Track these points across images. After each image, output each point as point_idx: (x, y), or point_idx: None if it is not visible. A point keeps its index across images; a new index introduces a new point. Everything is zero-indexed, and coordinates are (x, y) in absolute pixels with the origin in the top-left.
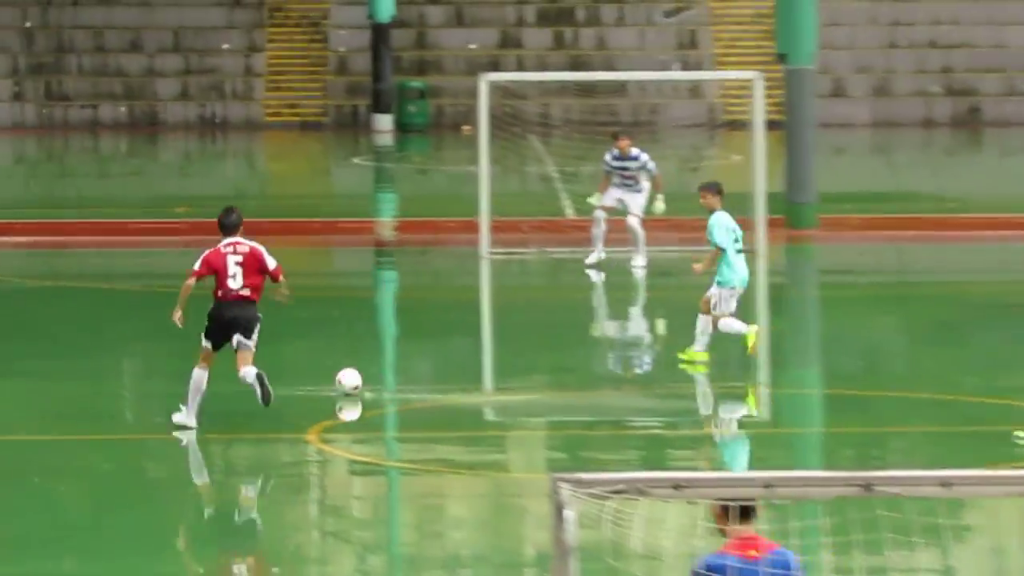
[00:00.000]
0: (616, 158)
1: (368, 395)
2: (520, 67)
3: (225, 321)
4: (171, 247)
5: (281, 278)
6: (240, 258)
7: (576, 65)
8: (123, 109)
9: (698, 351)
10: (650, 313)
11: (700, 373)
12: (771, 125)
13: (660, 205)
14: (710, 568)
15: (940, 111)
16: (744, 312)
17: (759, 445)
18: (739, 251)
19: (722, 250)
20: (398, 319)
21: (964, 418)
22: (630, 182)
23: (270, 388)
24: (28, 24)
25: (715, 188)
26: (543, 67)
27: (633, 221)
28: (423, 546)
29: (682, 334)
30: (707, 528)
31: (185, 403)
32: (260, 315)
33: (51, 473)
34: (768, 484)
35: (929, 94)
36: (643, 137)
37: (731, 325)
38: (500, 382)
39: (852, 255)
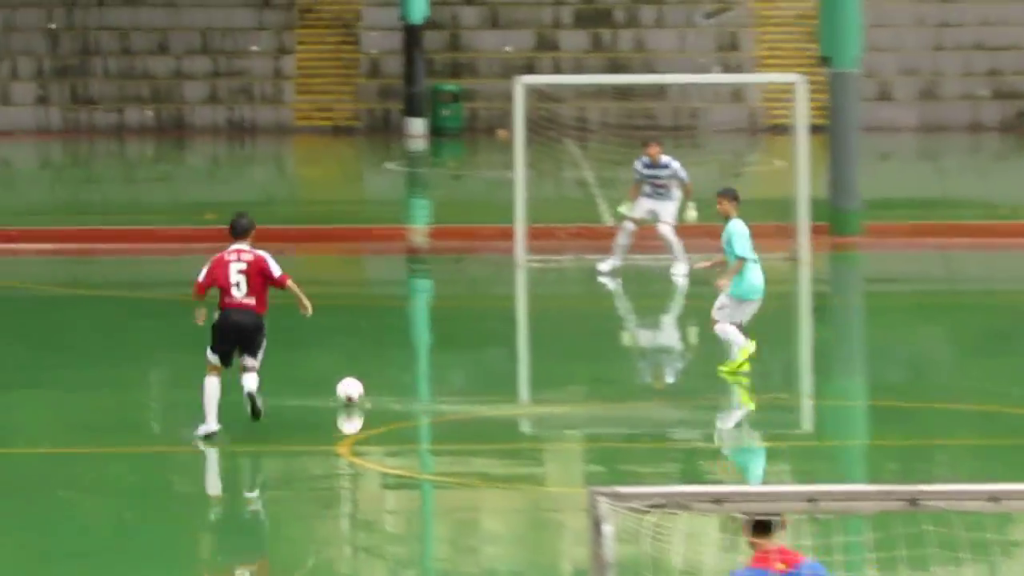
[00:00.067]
0: (647, 166)
1: (401, 407)
2: (556, 70)
3: (228, 329)
4: (198, 254)
5: (290, 284)
6: (244, 266)
7: (614, 68)
8: (150, 113)
9: (736, 360)
10: (690, 323)
11: (741, 382)
12: (814, 130)
13: (692, 214)
14: None
15: (988, 114)
16: (787, 321)
17: (802, 458)
18: (755, 261)
19: (745, 260)
20: (431, 328)
21: (1012, 431)
22: (661, 190)
23: (260, 406)
24: (53, 25)
25: (732, 194)
26: (580, 70)
27: (665, 229)
28: (457, 562)
29: (725, 344)
30: (749, 543)
31: (203, 417)
32: (264, 326)
33: (76, 487)
34: (811, 498)
35: (977, 97)
36: (683, 142)
37: (727, 332)
38: (536, 393)
39: (898, 263)
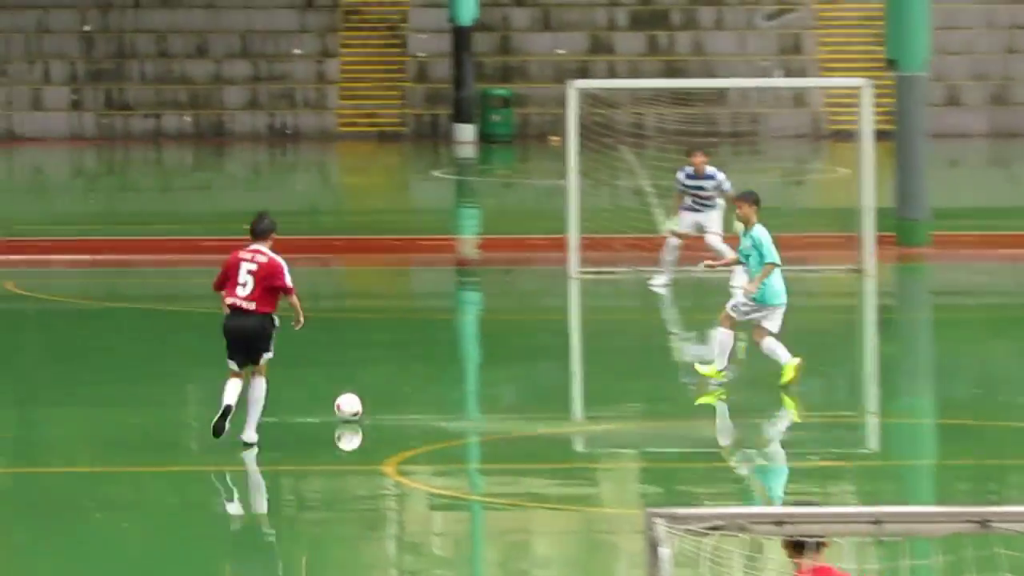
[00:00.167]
0: (690, 176)
1: (449, 424)
2: (611, 74)
3: (233, 334)
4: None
5: (294, 299)
6: (255, 267)
7: (671, 71)
8: (188, 119)
9: (788, 363)
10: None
11: (795, 399)
12: (880, 136)
13: (740, 224)
14: None
15: None
16: (852, 335)
17: (867, 478)
18: (778, 265)
19: (776, 266)
20: (481, 343)
21: None
22: (705, 202)
23: (226, 424)
24: (87, 28)
25: (752, 199)
26: (636, 74)
27: (714, 240)
28: None
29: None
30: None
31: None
32: (273, 325)
33: (113, 507)
34: (877, 520)
35: None
36: (743, 148)
37: (721, 343)
38: (590, 410)
39: (967, 275)
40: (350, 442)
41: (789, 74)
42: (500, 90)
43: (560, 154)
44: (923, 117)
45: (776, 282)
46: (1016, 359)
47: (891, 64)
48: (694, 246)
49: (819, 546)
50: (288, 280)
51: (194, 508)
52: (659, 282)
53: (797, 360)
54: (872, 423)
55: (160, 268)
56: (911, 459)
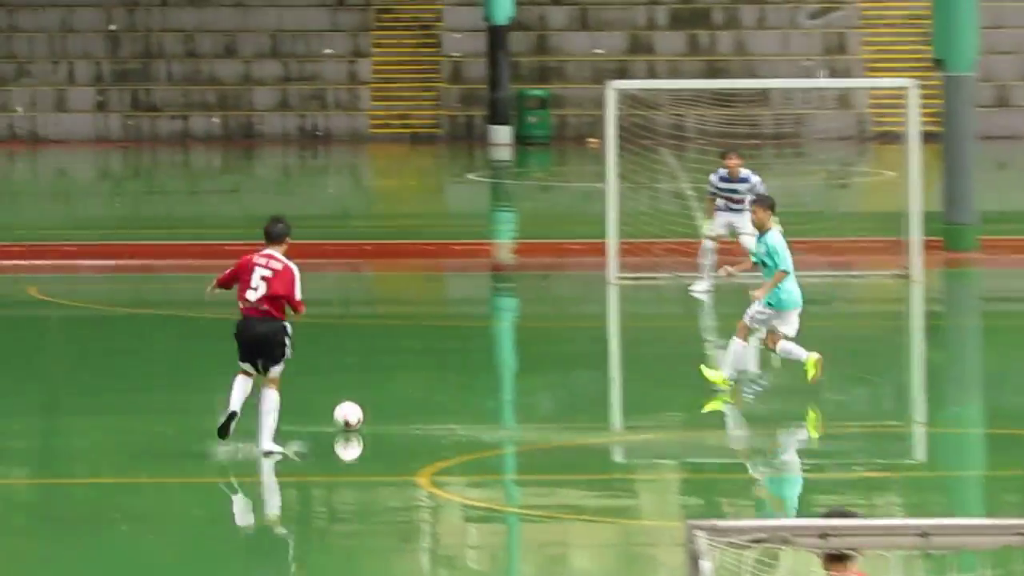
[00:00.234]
0: (723, 179)
1: (484, 434)
2: (651, 74)
3: (247, 340)
4: None
5: (302, 310)
6: (269, 273)
7: (713, 72)
8: (216, 120)
9: (808, 359)
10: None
11: (723, 396)
12: (927, 138)
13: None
14: None
15: None
16: (898, 342)
17: (913, 489)
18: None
19: (787, 274)
20: (517, 350)
21: None
22: (739, 205)
23: (230, 428)
24: (113, 27)
25: (767, 203)
26: (676, 74)
27: (748, 242)
28: None
29: (830, 367)
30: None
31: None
32: (286, 332)
33: (138, 519)
34: (924, 533)
35: None
36: (786, 150)
37: (733, 353)
38: (629, 420)
39: (1015, 280)
40: (382, 453)
41: (833, 74)
42: (536, 91)
43: (598, 157)
44: (971, 118)
45: (791, 287)
46: None
47: (938, 64)
48: (732, 250)
49: (848, 557)
50: (298, 293)
51: (222, 520)
52: (700, 288)
53: (816, 355)
54: (919, 433)
55: (186, 274)
56: (959, 470)
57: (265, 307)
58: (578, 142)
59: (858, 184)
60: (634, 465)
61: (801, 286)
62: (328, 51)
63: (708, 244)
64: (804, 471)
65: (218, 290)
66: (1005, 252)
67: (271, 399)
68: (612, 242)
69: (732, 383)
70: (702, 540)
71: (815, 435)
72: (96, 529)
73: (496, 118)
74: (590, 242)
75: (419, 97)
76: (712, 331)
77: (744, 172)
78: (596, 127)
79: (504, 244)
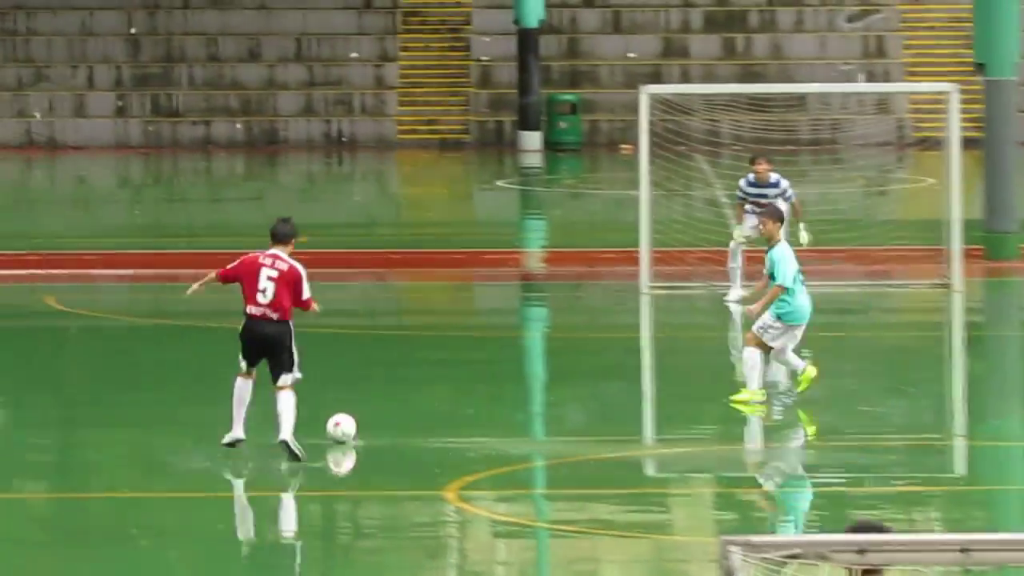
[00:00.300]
0: (752, 184)
1: (513, 447)
2: (685, 78)
3: (254, 341)
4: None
5: (314, 307)
6: (275, 273)
7: (748, 76)
8: (239, 126)
9: (801, 373)
10: (831, 356)
11: (756, 414)
12: (968, 144)
13: (805, 236)
14: None
15: None
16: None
17: (954, 504)
18: (801, 281)
19: (785, 289)
20: (547, 362)
21: None
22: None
23: (296, 451)
24: (133, 31)
25: (777, 215)
26: (711, 78)
27: None
28: None
29: (869, 380)
30: None
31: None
32: (290, 335)
33: (158, 534)
34: (965, 548)
35: None
36: (823, 156)
37: (753, 367)
38: (661, 433)
39: None
40: (409, 466)
41: (872, 79)
42: (568, 96)
43: (631, 163)
44: (1013, 124)
45: (802, 301)
46: None
47: (979, 68)
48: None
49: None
50: (306, 291)
51: (243, 536)
52: (733, 297)
53: (813, 370)
54: (959, 446)
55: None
56: (1000, 484)
57: (275, 313)
58: (610, 148)
59: (897, 191)
60: (666, 479)
61: (813, 299)
62: (354, 55)
63: (734, 246)
64: (841, 485)
65: (203, 288)
66: None
67: (287, 399)
68: (645, 251)
69: (765, 395)
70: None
71: (853, 448)
72: (114, 544)
73: (526, 124)
74: (622, 251)
75: (447, 102)
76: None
77: (774, 177)
78: (629, 133)
79: (534, 253)
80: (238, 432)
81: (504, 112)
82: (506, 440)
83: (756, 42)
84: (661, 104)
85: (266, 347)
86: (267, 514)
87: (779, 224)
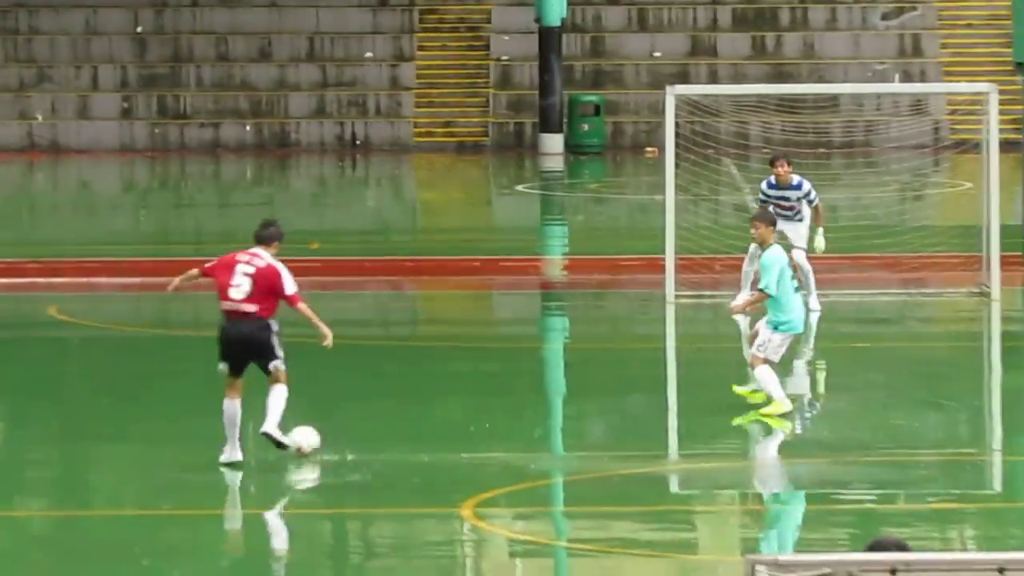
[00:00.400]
0: (772, 186)
1: (532, 463)
2: (712, 78)
3: (232, 341)
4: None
5: (302, 307)
6: (252, 269)
7: (778, 76)
8: (249, 128)
9: (748, 389)
10: (863, 367)
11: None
12: (1006, 146)
13: (821, 242)
14: None
15: None
16: (974, 365)
17: (990, 521)
18: (797, 289)
19: (768, 296)
20: (568, 373)
21: None
22: (789, 212)
23: (280, 440)
24: (139, 29)
25: (769, 219)
26: (739, 78)
27: (798, 255)
28: None
29: (902, 392)
30: None
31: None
32: (273, 328)
33: (163, 554)
34: (1002, 568)
35: None
36: (856, 159)
37: (769, 382)
38: (686, 448)
39: None
40: (423, 483)
41: (908, 79)
42: (591, 97)
43: (656, 166)
44: None
45: (799, 309)
46: None
47: (1019, 68)
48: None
49: None
50: (288, 286)
51: (251, 555)
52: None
53: (789, 407)
54: (996, 461)
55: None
56: None
57: (252, 308)
58: (635, 151)
59: (933, 196)
60: (691, 495)
61: (806, 309)
62: (369, 54)
63: (753, 248)
64: (872, 502)
65: (185, 285)
66: None
67: (278, 391)
68: (670, 258)
69: (786, 409)
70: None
71: (884, 463)
72: (118, 564)
73: (547, 126)
74: (646, 258)
75: (465, 103)
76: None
77: (795, 179)
78: (654, 135)
79: (554, 260)
80: (235, 455)
81: (524, 114)
82: (524, 455)
83: (787, 41)
84: (688, 105)
85: (244, 345)
86: (276, 532)
87: (771, 228)
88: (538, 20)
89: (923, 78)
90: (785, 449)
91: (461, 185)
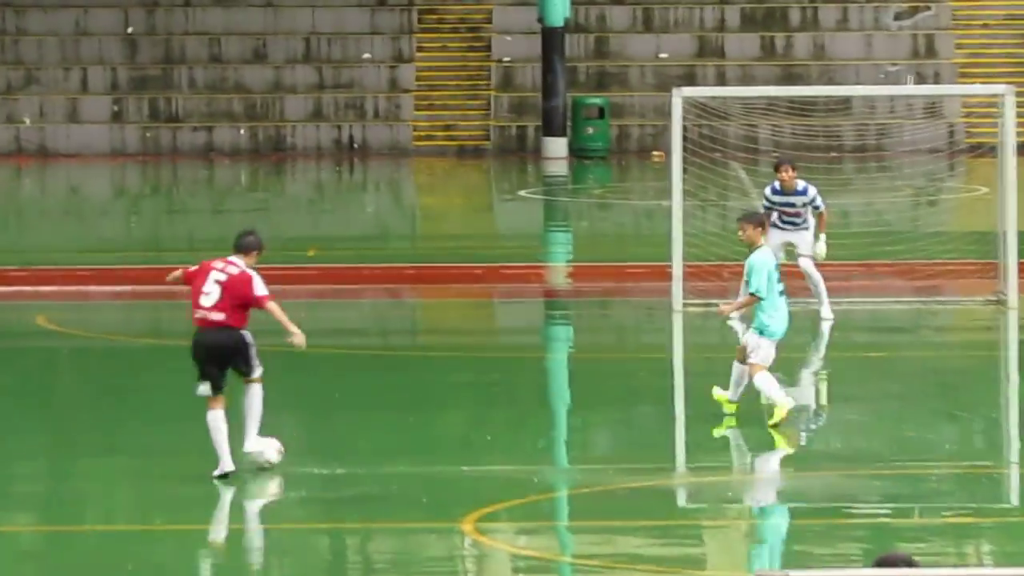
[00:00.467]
0: (777, 192)
1: (536, 476)
2: (720, 80)
3: (204, 352)
4: (299, 297)
5: (271, 306)
6: (224, 277)
7: (788, 78)
8: (243, 132)
9: (731, 402)
10: (876, 377)
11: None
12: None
13: (822, 248)
14: None
15: None
16: (991, 375)
17: (1007, 536)
18: (781, 293)
19: (758, 299)
20: (572, 384)
21: None
22: (795, 219)
23: (263, 461)
24: (130, 30)
25: (757, 220)
26: (748, 80)
27: (806, 264)
28: None
29: (917, 403)
30: None
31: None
32: (247, 339)
33: (155, 570)
34: None
35: None
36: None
37: (769, 387)
38: (694, 460)
39: None
40: (424, 496)
41: (922, 81)
42: (595, 99)
43: (663, 171)
44: None
45: (785, 313)
46: None
47: None
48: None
49: None
50: (258, 289)
51: (246, 571)
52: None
53: (791, 403)
54: (1013, 474)
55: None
56: None
57: (220, 316)
58: (641, 155)
59: (948, 201)
60: (698, 510)
61: (790, 314)
62: (367, 56)
63: None
64: (886, 516)
65: (172, 281)
66: None
67: (255, 394)
68: (677, 265)
69: (788, 405)
70: None
71: (898, 476)
72: None
73: (550, 129)
74: (653, 265)
75: (466, 106)
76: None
77: (801, 184)
78: (660, 139)
79: (558, 268)
80: (227, 466)
81: (527, 117)
82: (527, 468)
83: (797, 41)
84: (695, 108)
85: (219, 355)
86: (272, 548)
87: (760, 229)
88: (541, 20)
89: (937, 80)
90: (795, 461)
91: (462, 190)
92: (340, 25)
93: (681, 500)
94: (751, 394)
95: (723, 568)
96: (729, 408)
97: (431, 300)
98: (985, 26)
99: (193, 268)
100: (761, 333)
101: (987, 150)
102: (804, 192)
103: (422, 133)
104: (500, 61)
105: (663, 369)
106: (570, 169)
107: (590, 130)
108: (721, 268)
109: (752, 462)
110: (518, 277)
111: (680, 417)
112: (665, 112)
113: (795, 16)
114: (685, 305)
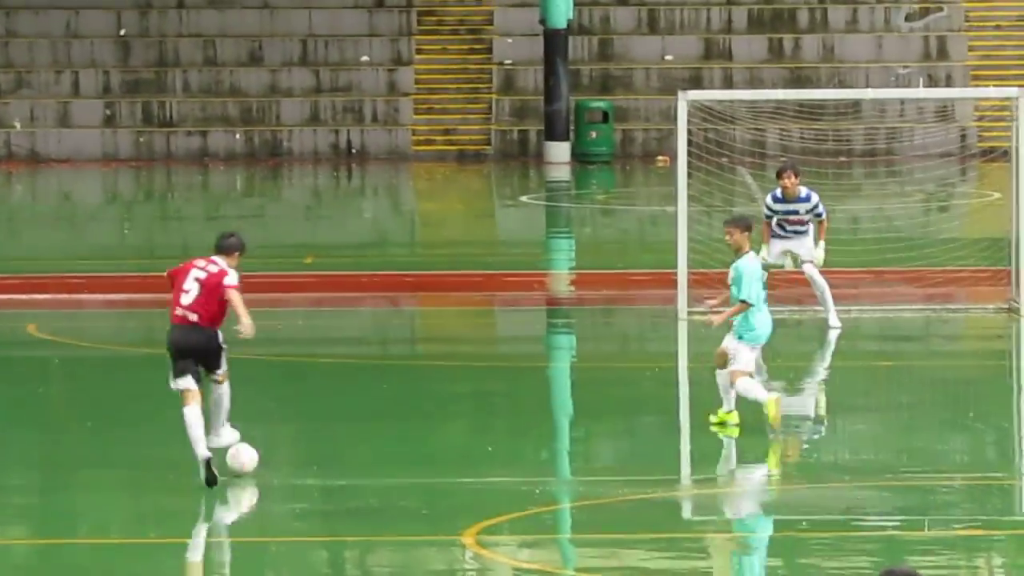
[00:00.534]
0: (779, 200)
1: (538, 488)
2: (727, 83)
3: (178, 349)
4: (296, 305)
5: (232, 292)
6: (204, 275)
7: (797, 80)
8: (238, 136)
9: (728, 412)
10: (886, 386)
11: (732, 436)
12: None
13: (820, 254)
14: None
15: None
16: (1002, 385)
17: (1020, 551)
18: (765, 300)
19: (749, 306)
20: (575, 394)
21: None
22: (798, 227)
23: (215, 474)
24: (123, 32)
25: (744, 224)
26: (756, 83)
27: (810, 270)
28: None
29: (927, 413)
30: None
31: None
32: (221, 343)
33: None
34: None
35: None
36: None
37: (751, 389)
38: (699, 471)
39: None
40: (424, 508)
41: (933, 83)
42: (599, 103)
43: (668, 176)
44: None
45: (766, 319)
46: None
47: None
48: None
49: None
50: (228, 279)
51: None
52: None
53: (776, 394)
54: None
55: None
56: None
57: (197, 313)
58: (645, 160)
59: (959, 207)
60: (704, 522)
61: (774, 321)
62: (365, 58)
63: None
64: (896, 528)
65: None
66: None
67: (221, 390)
68: (682, 273)
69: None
70: None
71: (908, 488)
72: None
73: (553, 133)
74: (657, 272)
75: (466, 110)
76: (791, 372)
77: (803, 191)
78: (665, 143)
79: (561, 275)
80: (203, 451)
81: (529, 121)
82: (529, 479)
83: (805, 43)
84: (701, 111)
85: (195, 353)
86: (267, 561)
87: (747, 234)
88: (543, 22)
89: (949, 82)
90: (803, 473)
91: (462, 196)
92: (337, 27)
93: (686, 512)
94: (753, 405)
95: None
96: (732, 420)
97: (431, 308)
98: (998, 27)
99: (176, 267)
100: (741, 338)
101: (1000, 154)
102: (807, 199)
103: (421, 137)
104: (501, 64)
105: (668, 379)
106: (573, 174)
107: (593, 134)
108: (727, 275)
109: (758, 473)
110: (520, 285)
111: (685, 428)
112: (670, 116)
113: (804, 17)
114: (690, 313)
